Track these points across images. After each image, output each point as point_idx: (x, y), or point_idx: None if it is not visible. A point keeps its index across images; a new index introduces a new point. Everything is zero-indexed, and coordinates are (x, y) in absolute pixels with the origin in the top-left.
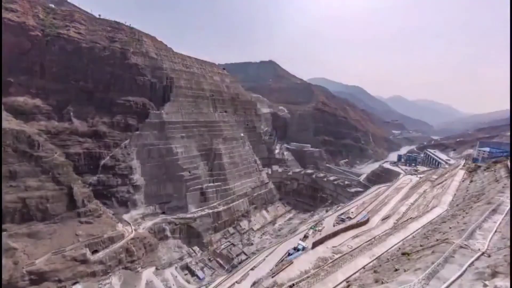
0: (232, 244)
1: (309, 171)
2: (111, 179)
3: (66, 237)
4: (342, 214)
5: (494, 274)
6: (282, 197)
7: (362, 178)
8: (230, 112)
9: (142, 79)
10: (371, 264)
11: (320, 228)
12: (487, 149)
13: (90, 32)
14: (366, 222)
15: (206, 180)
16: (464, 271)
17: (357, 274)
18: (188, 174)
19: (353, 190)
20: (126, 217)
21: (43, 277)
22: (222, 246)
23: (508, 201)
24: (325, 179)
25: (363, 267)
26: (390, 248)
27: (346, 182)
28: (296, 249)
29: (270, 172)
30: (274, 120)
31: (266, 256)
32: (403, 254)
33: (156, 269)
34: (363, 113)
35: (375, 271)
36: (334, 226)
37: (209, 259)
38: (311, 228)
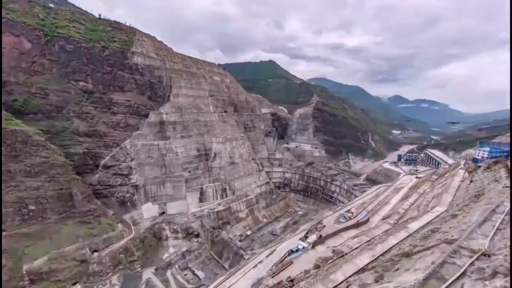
0: (232, 244)
1: (309, 163)
2: (111, 179)
3: (66, 237)
4: (342, 214)
5: (494, 274)
6: (283, 196)
7: (362, 178)
8: (230, 112)
9: (142, 79)
10: (371, 264)
11: (320, 228)
12: (487, 149)
13: (90, 32)
14: (366, 222)
15: (206, 180)
16: (464, 271)
17: (357, 274)
18: (188, 174)
19: (353, 183)
20: (126, 217)
21: (43, 277)
22: (222, 246)
23: (508, 201)
24: (326, 174)
25: (363, 267)
26: (390, 248)
27: (347, 176)
28: (296, 249)
29: (270, 167)
30: (274, 120)
31: (266, 256)
32: (403, 254)
33: (156, 269)
34: (363, 113)
35: (375, 271)
36: (334, 226)
37: (209, 259)
38: (311, 228)
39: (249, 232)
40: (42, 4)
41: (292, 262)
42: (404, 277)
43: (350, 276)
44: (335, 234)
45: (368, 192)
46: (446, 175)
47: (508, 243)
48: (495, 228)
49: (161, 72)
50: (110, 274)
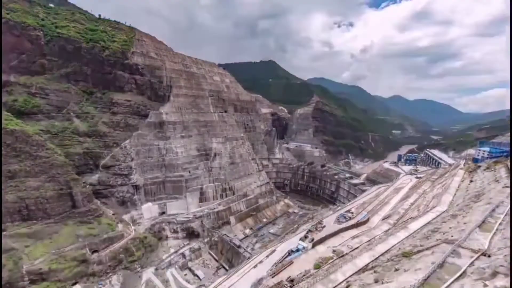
0: (232, 244)
1: (309, 163)
2: (111, 179)
3: (66, 237)
4: (342, 214)
5: (494, 274)
6: (283, 196)
7: (362, 178)
8: (230, 112)
9: (142, 79)
10: (371, 264)
11: (320, 228)
12: (487, 149)
13: (90, 32)
14: (366, 222)
15: (206, 180)
16: (464, 271)
17: (357, 274)
18: (188, 174)
19: (353, 183)
20: (126, 217)
21: (43, 277)
22: (222, 246)
23: (508, 201)
24: (327, 173)
25: (363, 267)
26: (390, 248)
27: (347, 175)
28: (296, 249)
29: (271, 166)
30: (274, 120)
31: (266, 256)
32: (403, 254)
33: (156, 269)
34: (363, 113)
35: (375, 271)
36: (334, 226)
37: (209, 259)
38: (311, 228)
39: (249, 232)
40: (42, 4)
41: (292, 262)
42: (404, 277)
43: (350, 276)
44: (335, 234)
45: (368, 192)
46: (446, 175)
47: (508, 243)
48: (495, 228)
49: (161, 72)
50: (110, 274)
